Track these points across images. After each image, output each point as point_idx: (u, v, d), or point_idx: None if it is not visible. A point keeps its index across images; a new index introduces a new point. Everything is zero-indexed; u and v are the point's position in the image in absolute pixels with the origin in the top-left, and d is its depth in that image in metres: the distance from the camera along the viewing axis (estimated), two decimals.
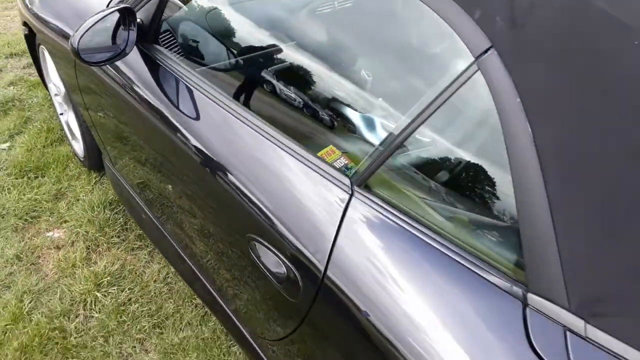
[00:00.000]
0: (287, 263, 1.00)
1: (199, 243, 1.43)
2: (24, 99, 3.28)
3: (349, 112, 1.26)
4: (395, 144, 0.91)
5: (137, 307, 1.93)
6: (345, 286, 0.89)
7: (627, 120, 0.66)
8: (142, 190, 1.76)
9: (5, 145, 2.84)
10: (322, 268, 0.93)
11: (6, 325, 1.85)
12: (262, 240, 1.05)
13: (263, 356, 1.29)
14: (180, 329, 1.87)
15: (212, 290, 1.48)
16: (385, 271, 0.85)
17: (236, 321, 1.39)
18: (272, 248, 1.03)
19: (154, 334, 1.85)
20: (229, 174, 1.14)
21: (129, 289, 2.01)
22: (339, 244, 0.91)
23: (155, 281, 2.04)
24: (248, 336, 1.35)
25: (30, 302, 1.95)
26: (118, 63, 1.54)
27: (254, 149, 1.10)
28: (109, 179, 2.35)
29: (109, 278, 2.04)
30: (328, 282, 0.92)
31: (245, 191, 1.09)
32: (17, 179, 2.55)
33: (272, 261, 1.04)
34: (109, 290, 2.00)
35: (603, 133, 0.67)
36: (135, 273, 2.08)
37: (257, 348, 1.31)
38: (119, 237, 2.25)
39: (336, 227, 0.92)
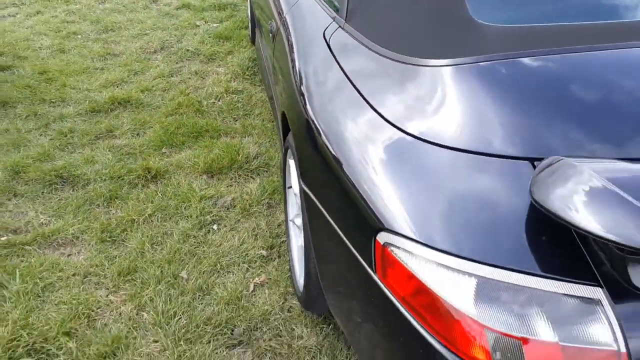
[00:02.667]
0: None
1: None
2: (237, 4, 5.00)
3: None
4: None
5: (241, 113, 3.34)
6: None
7: None
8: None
9: (215, 25, 4.54)
10: None
11: (178, 102, 3.41)
12: None
13: None
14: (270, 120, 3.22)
15: None
16: None
17: None
18: None
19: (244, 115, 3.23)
20: None
21: (240, 100, 3.43)
22: None
23: (257, 99, 3.44)
24: None
25: (190, 91, 3.50)
26: None
27: None
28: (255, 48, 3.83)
29: (233, 94, 3.49)
30: None
31: None
32: (213, 39, 4.21)
33: None
34: (234, 99, 3.44)
35: None
36: (249, 94, 3.50)
37: None
38: (249, 77, 3.71)
39: None
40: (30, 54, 4.02)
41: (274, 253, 2.21)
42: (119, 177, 2.64)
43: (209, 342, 1.83)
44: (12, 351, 1.78)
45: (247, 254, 2.20)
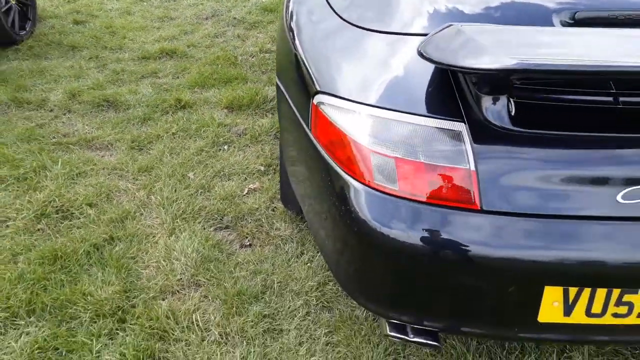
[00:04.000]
0: None
1: None
2: None
3: None
4: None
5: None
6: None
7: None
8: None
9: None
10: None
11: (217, 55, 3.81)
12: None
13: None
14: None
15: None
16: None
17: None
18: None
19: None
20: None
21: (271, 58, 3.79)
22: None
23: None
24: None
25: (230, 49, 3.90)
26: None
27: None
28: None
29: (266, 53, 3.86)
30: None
31: None
32: (259, 11, 4.62)
33: None
34: (266, 57, 3.80)
35: None
36: None
37: None
38: None
39: None
40: (101, 13, 4.60)
41: (270, 169, 2.54)
42: (154, 105, 3.07)
43: (201, 223, 2.18)
44: (44, 209, 2.20)
45: (247, 167, 2.54)
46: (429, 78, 1.31)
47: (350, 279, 1.42)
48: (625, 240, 1.20)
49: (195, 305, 1.80)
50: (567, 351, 1.68)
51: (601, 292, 1.25)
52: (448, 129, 1.24)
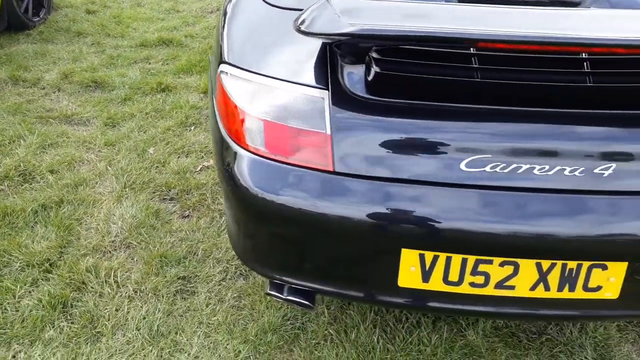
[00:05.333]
0: None
1: None
2: None
3: None
4: None
5: None
6: None
7: None
8: None
9: None
10: None
11: (211, 45, 3.96)
12: None
13: None
14: None
15: None
16: None
17: None
18: None
19: None
20: None
21: None
22: None
23: None
24: None
25: None
26: None
27: None
28: None
29: None
30: None
31: None
32: None
33: None
34: None
35: None
36: None
37: None
38: None
39: None
40: (114, 4, 4.85)
41: None
42: (137, 88, 3.24)
43: (147, 193, 2.31)
44: (8, 172, 2.39)
45: (207, 147, 2.65)
46: (307, 49, 1.38)
47: (234, 239, 1.51)
48: (470, 208, 1.23)
49: (119, 264, 1.92)
50: (462, 330, 1.71)
51: (456, 260, 1.29)
52: (312, 96, 1.31)
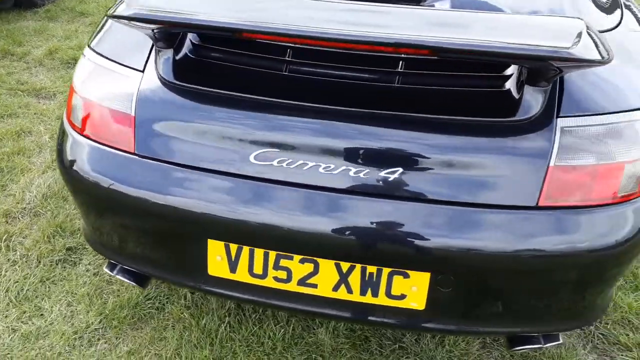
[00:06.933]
0: None
1: None
2: None
3: None
4: None
5: None
6: None
7: None
8: None
9: None
10: None
11: None
12: None
13: None
14: None
15: None
16: None
17: None
18: None
19: None
20: None
21: None
22: None
23: None
24: None
25: None
26: None
27: None
28: None
29: None
30: None
31: None
32: None
33: None
34: None
35: None
36: None
37: None
38: None
39: None
40: None
41: None
42: None
43: None
44: None
45: None
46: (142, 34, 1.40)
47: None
48: (262, 201, 1.22)
49: (19, 229, 2.03)
50: (314, 328, 1.69)
51: (259, 253, 1.28)
52: (127, 77, 1.33)
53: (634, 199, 1.19)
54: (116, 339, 1.65)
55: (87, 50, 1.47)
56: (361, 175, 1.17)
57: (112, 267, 1.51)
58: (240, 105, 1.25)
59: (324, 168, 1.18)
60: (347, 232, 1.20)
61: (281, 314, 1.71)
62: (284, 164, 1.19)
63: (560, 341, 1.35)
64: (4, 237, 1.98)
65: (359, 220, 1.19)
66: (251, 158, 1.21)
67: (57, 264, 1.90)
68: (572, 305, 1.31)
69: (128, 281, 1.49)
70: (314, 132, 1.21)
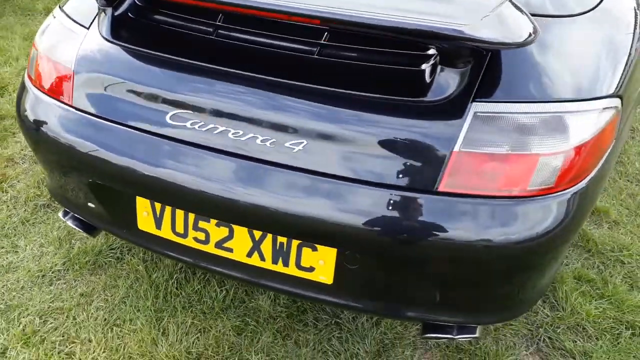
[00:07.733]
0: None
1: None
2: None
3: None
4: None
5: None
6: None
7: None
8: None
9: None
10: None
11: None
12: None
13: None
14: None
15: None
16: None
17: None
18: None
19: None
20: None
21: None
22: None
23: None
24: None
25: None
26: None
27: None
28: None
29: None
30: None
31: None
32: None
33: None
34: None
35: None
36: None
37: None
38: None
39: None
40: None
41: None
42: None
43: None
44: None
45: None
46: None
47: None
48: (176, 162, 1.26)
49: (15, 173, 2.19)
50: (257, 294, 1.73)
51: (180, 213, 1.33)
52: (75, 33, 1.40)
53: (548, 194, 1.12)
54: (74, 281, 1.77)
55: (56, 10, 1.55)
56: (267, 144, 1.18)
57: (64, 214, 1.61)
58: (165, 66, 1.29)
59: (232, 134, 1.20)
60: (253, 200, 1.21)
61: (229, 281, 1.76)
62: (196, 126, 1.22)
63: (476, 335, 1.32)
64: (0, 180, 2.15)
65: (264, 190, 1.20)
66: (167, 118, 1.25)
67: (40, 208, 2.04)
68: (483, 299, 1.26)
69: (77, 229, 1.59)
70: (228, 98, 1.22)
